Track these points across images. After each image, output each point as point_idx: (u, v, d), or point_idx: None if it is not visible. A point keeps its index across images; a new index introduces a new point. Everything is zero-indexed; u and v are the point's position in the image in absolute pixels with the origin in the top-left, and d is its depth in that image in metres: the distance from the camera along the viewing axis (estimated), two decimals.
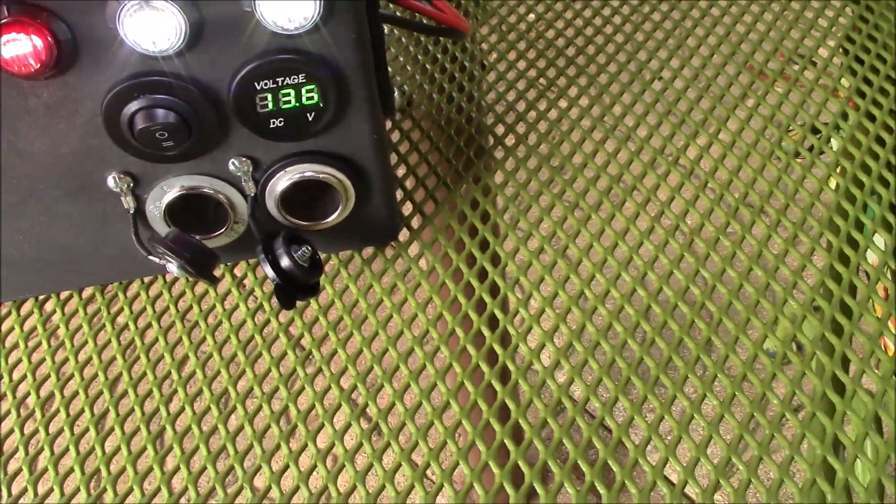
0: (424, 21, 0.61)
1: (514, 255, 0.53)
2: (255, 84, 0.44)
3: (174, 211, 0.49)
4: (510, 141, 0.62)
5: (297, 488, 0.44)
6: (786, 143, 0.58)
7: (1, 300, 0.54)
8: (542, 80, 0.66)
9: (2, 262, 0.51)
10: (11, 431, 0.49)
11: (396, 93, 0.65)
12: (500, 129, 0.63)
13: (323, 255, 0.52)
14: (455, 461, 0.44)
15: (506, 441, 0.44)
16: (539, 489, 0.43)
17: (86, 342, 0.53)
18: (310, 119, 0.45)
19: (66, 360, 0.52)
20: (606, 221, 0.54)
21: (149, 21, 0.40)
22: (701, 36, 0.67)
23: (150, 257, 0.47)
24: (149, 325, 0.53)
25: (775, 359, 0.46)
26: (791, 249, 0.51)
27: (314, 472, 0.45)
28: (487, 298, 0.51)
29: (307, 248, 0.48)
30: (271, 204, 0.49)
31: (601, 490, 0.42)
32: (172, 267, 0.46)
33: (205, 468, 0.46)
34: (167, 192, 0.48)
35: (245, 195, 0.49)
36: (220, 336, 0.52)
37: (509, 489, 0.43)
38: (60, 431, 0.49)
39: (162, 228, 0.50)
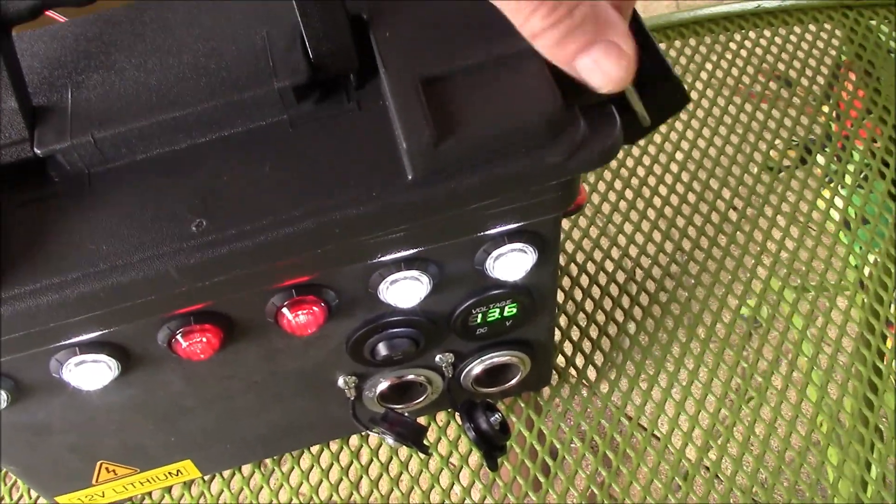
0: None
1: None
2: (473, 310, 0.54)
3: (384, 393, 0.59)
4: None
5: None
6: None
7: (236, 464, 0.65)
8: None
9: (234, 439, 0.61)
10: None
11: None
12: None
13: None
14: None
15: None
16: None
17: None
18: (507, 325, 0.56)
19: None
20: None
21: (404, 288, 0.50)
22: None
23: (368, 431, 0.58)
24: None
25: None
26: None
27: None
28: None
29: (499, 415, 0.59)
30: (466, 382, 0.60)
31: None
32: (389, 439, 0.57)
33: None
34: (382, 381, 0.58)
35: (444, 377, 0.59)
36: None
37: None
38: None
39: (371, 405, 0.60)
